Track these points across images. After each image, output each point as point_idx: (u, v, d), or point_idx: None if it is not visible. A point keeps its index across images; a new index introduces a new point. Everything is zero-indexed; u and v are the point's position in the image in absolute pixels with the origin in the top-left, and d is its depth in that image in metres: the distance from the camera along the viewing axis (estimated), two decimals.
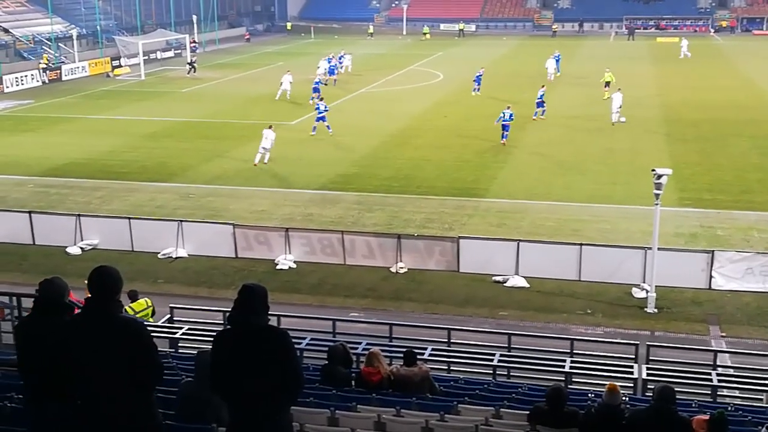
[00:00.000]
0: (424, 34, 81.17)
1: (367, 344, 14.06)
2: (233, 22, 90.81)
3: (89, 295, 5.66)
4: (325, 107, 35.67)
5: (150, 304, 15.63)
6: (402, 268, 20.50)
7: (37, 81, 52.73)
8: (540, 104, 38.56)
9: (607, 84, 44.84)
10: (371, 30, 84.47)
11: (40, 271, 19.72)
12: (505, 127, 33.40)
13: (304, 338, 14.76)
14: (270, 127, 30.77)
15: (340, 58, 55.82)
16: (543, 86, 39.36)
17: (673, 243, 20.97)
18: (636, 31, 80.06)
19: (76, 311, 6.49)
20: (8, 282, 19.07)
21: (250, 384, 5.62)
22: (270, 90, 47.99)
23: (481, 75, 46.20)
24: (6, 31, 58.55)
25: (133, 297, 15.36)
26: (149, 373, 5.66)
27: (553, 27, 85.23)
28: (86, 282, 5.66)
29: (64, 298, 6.39)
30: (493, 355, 14.60)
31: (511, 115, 33.41)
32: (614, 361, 14.68)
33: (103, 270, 5.70)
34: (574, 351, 14.92)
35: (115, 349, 5.51)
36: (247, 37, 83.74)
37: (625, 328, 17.48)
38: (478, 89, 45.68)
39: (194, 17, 71.80)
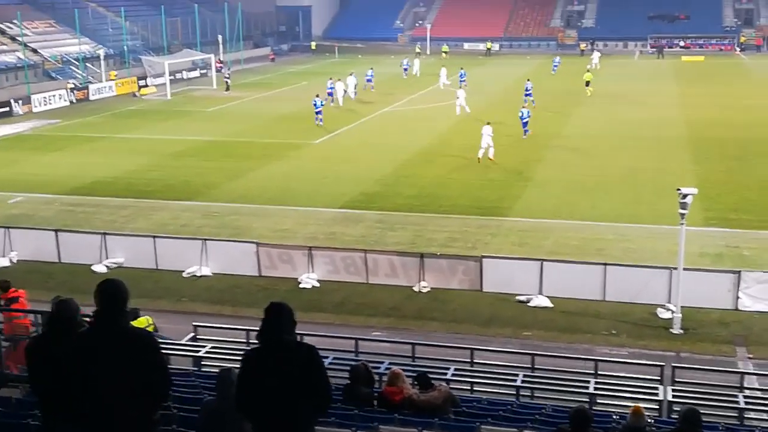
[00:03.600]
0: (444, 52, 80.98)
1: (390, 364, 14.03)
2: (258, 41, 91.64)
3: (97, 309, 5.70)
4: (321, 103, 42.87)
5: (151, 322, 15.57)
6: (425, 287, 20.45)
7: (65, 101, 53.48)
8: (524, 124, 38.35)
9: (587, 83, 51.88)
10: (418, 49, 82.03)
11: (66, 289, 19.86)
12: (525, 124, 38.13)
13: (327, 357, 14.74)
14: (488, 124, 33.37)
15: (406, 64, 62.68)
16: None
17: (699, 263, 20.74)
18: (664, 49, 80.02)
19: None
20: (34, 300, 19.11)
21: (281, 401, 5.62)
22: (294, 108, 48.36)
23: (529, 88, 47.36)
24: (35, 51, 59.49)
25: (134, 315, 15.32)
26: (158, 385, 5.68)
27: (581, 46, 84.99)
28: (94, 295, 5.70)
29: (77, 318, 6.41)
30: (517, 375, 14.50)
31: (528, 113, 38.93)
32: (639, 382, 14.53)
33: (109, 283, 5.75)
34: (599, 372, 14.78)
35: (124, 360, 5.54)
36: (272, 56, 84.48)
37: (650, 349, 17.29)
38: (533, 102, 46.19)
39: (220, 37, 72.63)
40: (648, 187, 29.23)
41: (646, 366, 15.60)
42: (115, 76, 60.24)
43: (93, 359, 5.58)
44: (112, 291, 5.70)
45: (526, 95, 46.55)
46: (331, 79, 51.50)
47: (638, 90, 53.67)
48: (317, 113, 42.32)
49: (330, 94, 49.64)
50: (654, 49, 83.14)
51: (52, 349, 6.18)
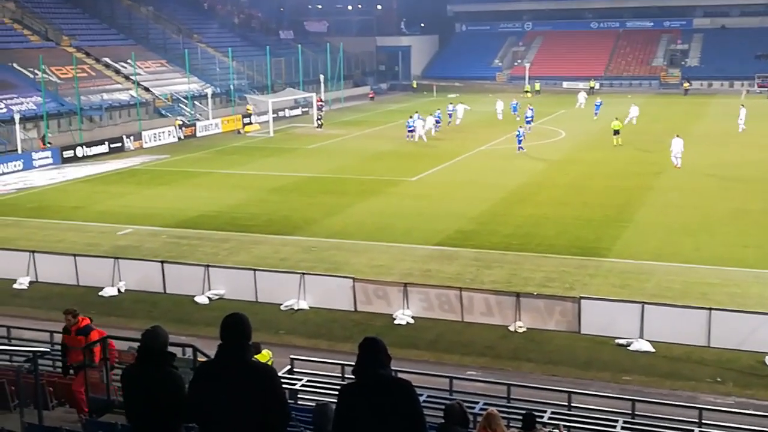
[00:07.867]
0: (526, 92, 79.85)
1: (485, 404, 13.90)
2: (358, 81, 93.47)
3: (222, 342, 5.87)
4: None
5: (272, 355, 15.98)
6: (521, 327, 20.20)
7: (174, 137, 55.60)
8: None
9: (616, 132, 47.85)
10: (537, 87, 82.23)
11: (170, 319, 20.60)
12: (519, 141, 45.28)
13: (421, 395, 14.71)
14: (678, 136, 39.30)
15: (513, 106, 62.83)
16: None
17: None
18: None
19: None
20: (138, 328, 19.85)
21: None
22: (392, 146, 49.00)
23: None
24: (146, 89, 62.32)
25: (257, 349, 15.75)
26: (279, 419, 5.81)
27: (685, 85, 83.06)
28: (220, 328, 5.88)
29: (167, 347, 6.58)
30: (616, 421, 14.11)
31: (523, 132, 46.26)
32: None
33: (236, 316, 5.92)
34: (703, 421, 14.25)
35: (247, 394, 5.68)
36: (371, 95, 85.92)
37: (758, 399, 16.53)
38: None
39: (321, 77, 74.41)
40: (755, 230, 28.16)
41: (753, 416, 14.95)
42: (251, 110, 62.83)
43: (215, 389, 5.74)
44: (236, 324, 5.86)
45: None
46: (415, 114, 53.27)
47: (745, 130, 51.85)
48: (409, 131, 51.13)
49: (412, 129, 51.56)
50: (763, 89, 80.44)
51: (144, 377, 6.41)
